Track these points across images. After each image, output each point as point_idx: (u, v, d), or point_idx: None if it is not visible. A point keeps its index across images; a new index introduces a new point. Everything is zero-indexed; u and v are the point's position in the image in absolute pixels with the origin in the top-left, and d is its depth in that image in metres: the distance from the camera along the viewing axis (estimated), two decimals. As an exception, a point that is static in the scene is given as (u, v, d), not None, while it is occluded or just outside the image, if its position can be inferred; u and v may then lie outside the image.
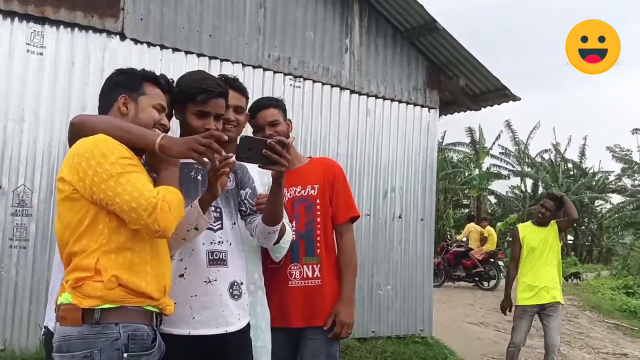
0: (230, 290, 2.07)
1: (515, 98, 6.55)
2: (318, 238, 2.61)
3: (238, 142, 1.94)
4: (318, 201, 2.64)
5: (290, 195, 2.64)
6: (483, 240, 13.21)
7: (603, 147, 29.14)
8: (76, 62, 4.29)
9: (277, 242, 2.22)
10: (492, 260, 12.67)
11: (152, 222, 1.67)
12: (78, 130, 1.84)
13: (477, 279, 12.74)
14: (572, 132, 48.34)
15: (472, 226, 13.80)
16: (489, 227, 13.61)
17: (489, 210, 26.94)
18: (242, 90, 2.44)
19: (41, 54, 4.17)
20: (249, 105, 2.58)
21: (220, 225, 2.09)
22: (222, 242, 2.08)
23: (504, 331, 8.06)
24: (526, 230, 5.14)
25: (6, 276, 4.00)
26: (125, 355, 1.68)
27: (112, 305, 1.69)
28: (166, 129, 2.01)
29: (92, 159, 1.68)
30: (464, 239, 13.86)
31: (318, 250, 2.60)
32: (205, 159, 1.79)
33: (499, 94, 6.48)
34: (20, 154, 4.08)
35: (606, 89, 76.28)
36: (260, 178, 2.46)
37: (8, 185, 4.04)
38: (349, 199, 2.74)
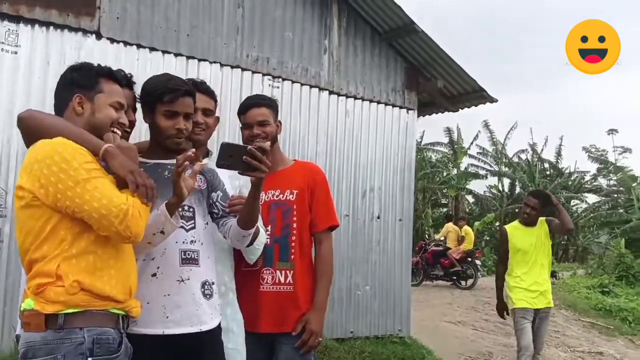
0: (202, 290, 2.08)
1: (492, 100, 6.63)
2: (293, 244, 2.59)
3: (219, 148, 1.95)
4: (295, 207, 2.62)
5: (267, 198, 2.62)
6: (461, 240, 13.35)
7: (579, 147, 29.59)
8: (51, 61, 4.23)
9: (251, 244, 2.23)
10: (469, 259, 12.82)
11: (124, 229, 1.67)
12: (26, 126, 1.84)
13: (454, 278, 12.87)
14: (548, 133, 49.01)
15: (450, 226, 13.94)
16: (466, 227, 13.76)
17: (467, 210, 27.21)
18: (210, 93, 2.46)
19: (15, 52, 4.11)
20: (245, 102, 2.62)
21: (192, 225, 2.10)
22: (195, 242, 2.09)
23: (482, 330, 8.17)
24: (514, 232, 4.92)
25: (-21, 278, 3.94)
26: (89, 359, 1.67)
27: (76, 310, 1.69)
28: (130, 125, 2.05)
29: (53, 165, 1.66)
30: (442, 239, 14.00)
31: (292, 256, 2.58)
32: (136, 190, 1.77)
33: (477, 95, 6.56)
34: (-7, 154, 4.02)
35: (583, 90, 77.47)
36: (231, 181, 2.46)
37: (-19, 185, 3.98)
38: (330, 207, 2.73)
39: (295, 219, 2.61)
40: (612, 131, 27.36)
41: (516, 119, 35.10)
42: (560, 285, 14.43)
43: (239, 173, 2.05)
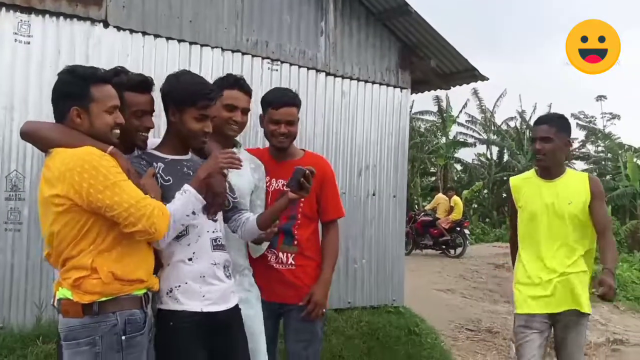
0: (225, 272, 2.34)
1: (483, 78, 6.84)
2: (296, 232, 2.84)
3: (294, 171, 2.28)
4: (302, 199, 2.79)
5: (277, 186, 2.84)
6: (450, 210, 13.72)
7: (568, 114, 29.85)
8: (62, 50, 4.39)
9: (260, 243, 2.52)
10: (458, 228, 13.19)
11: (150, 226, 1.93)
12: (31, 140, 2.05)
13: (444, 247, 13.28)
14: (537, 100, 49.18)
15: (440, 197, 14.29)
16: (455, 197, 14.10)
17: (455, 178, 27.56)
18: (249, 92, 2.68)
19: (28, 43, 4.27)
20: (270, 95, 2.83)
21: (216, 216, 2.35)
22: (219, 230, 2.35)
23: (470, 297, 8.58)
24: (522, 185, 3.20)
25: (2, 258, 4.18)
26: (123, 337, 1.97)
27: (108, 298, 1.96)
28: (146, 130, 2.28)
29: (84, 172, 1.88)
30: (432, 209, 14.35)
31: (295, 242, 2.84)
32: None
33: (468, 74, 6.77)
34: (11, 141, 4.21)
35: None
36: (252, 173, 2.72)
37: (1, 171, 4.19)
38: (337, 199, 2.99)
39: (300, 209, 2.85)
40: (600, 97, 27.65)
41: (505, 86, 35.12)
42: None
43: (290, 190, 2.33)
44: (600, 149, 27.50)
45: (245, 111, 2.67)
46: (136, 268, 2.03)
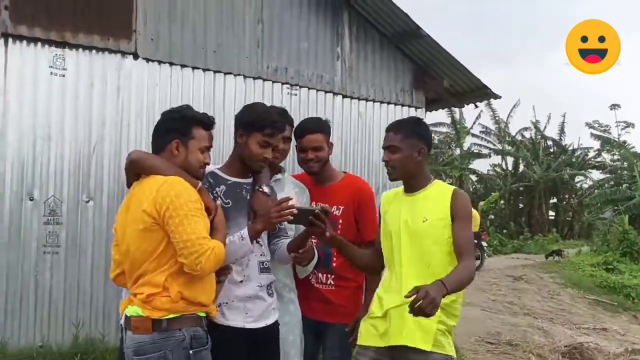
0: (268, 291, 2.55)
1: (495, 96, 7.02)
2: (335, 253, 2.95)
3: (297, 212, 2.40)
4: (340, 221, 2.96)
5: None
6: (467, 222, 13.73)
7: (582, 123, 29.79)
8: (95, 81, 4.67)
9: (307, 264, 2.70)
10: (475, 241, 13.14)
11: (196, 264, 2.10)
12: (135, 167, 2.27)
13: (461, 259, 13.29)
14: (551, 109, 49.08)
15: (456, 209, 14.31)
16: (472, 210, 14.15)
17: (471, 189, 27.57)
18: (292, 123, 2.91)
19: (63, 75, 4.55)
20: (297, 126, 2.98)
21: (262, 241, 2.55)
22: (265, 254, 2.56)
23: (490, 310, 8.64)
24: (388, 201, 2.76)
25: (41, 280, 4.43)
26: (190, 352, 2.14)
27: (175, 315, 2.14)
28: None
29: (167, 197, 2.11)
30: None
31: (334, 264, 2.97)
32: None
33: (480, 92, 6.94)
34: (49, 168, 4.48)
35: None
36: (297, 197, 2.83)
37: (40, 196, 4.45)
38: (374, 220, 2.91)
39: (339, 232, 2.91)
40: (614, 106, 27.55)
41: (519, 95, 35.18)
42: (566, 264, 14.87)
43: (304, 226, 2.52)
44: (615, 157, 27.38)
45: (287, 140, 2.87)
46: (200, 294, 2.21)
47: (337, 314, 2.96)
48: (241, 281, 2.46)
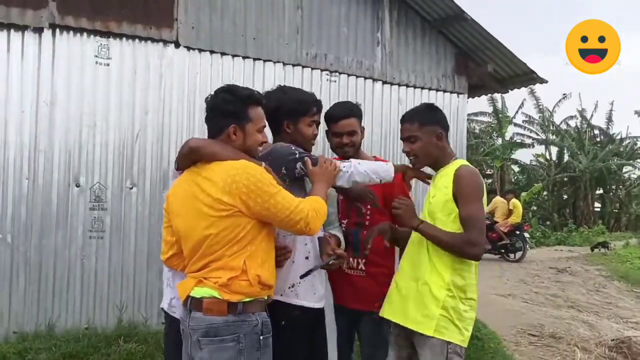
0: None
1: (542, 81, 6.80)
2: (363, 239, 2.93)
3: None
4: (369, 205, 2.97)
5: None
6: (509, 213, 13.51)
7: (631, 111, 28.77)
8: (138, 70, 4.74)
9: None
10: (517, 232, 12.98)
11: (305, 227, 2.17)
12: (195, 154, 2.24)
13: (503, 251, 13.08)
14: (598, 97, 47.55)
15: (498, 200, 14.07)
16: (514, 200, 13.87)
17: (513, 180, 27.00)
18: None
19: (108, 64, 4.63)
20: (329, 110, 3.00)
21: None
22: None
23: (532, 302, 8.46)
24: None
25: (87, 263, 4.55)
26: (261, 337, 2.14)
27: (250, 299, 2.14)
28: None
29: (251, 185, 2.11)
30: (490, 212, 14.17)
31: (367, 251, 2.89)
32: None
33: (526, 77, 6.74)
34: (94, 156, 4.58)
35: (634, 49, 74.30)
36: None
37: (86, 183, 4.56)
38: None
39: (368, 216, 2.99)
40: (666, 94, 26.46)
41: (563, 84, 34.11)
42: (613, 256, 14.43)
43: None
44: (665, 145, 26.36)
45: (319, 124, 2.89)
46: (272, 275, 2.23)
47: (370, 301, 2.93)
48: (307, 257, 2.49)
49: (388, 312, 2.68)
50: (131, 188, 4.71)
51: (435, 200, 2.61)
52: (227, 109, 2.25)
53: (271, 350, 2.19)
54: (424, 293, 2.53)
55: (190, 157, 2.25)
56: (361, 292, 2.95)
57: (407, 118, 2.74)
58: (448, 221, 2.55)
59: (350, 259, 2.97)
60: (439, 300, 2.49)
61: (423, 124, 2.66)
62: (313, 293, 2.49)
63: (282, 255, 2.38)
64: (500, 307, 7.73)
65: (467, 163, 2.68)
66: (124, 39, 4.69)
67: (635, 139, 27.97)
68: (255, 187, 2.11)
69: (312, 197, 2.29)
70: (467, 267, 2.57)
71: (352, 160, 2.59)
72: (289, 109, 2.54)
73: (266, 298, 2.24)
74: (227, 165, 2.16)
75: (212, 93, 2.32)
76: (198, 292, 2.15)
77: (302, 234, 2.23)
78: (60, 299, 4.48)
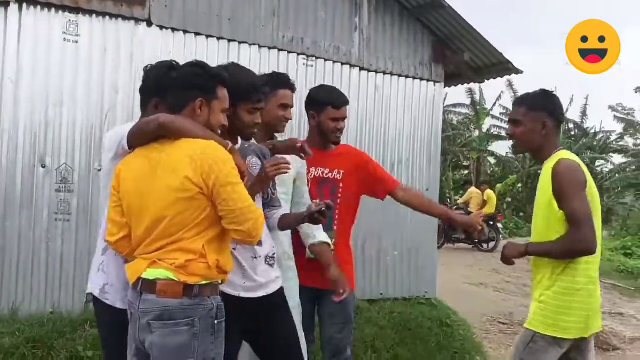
0: (267, 262, 2.48)
1: (517, 71, 6.83)
2: (336, 217, 3.05)
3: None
4: (341, 185, 3.09)
5: (317, 174, 3.08)
6: (483, 204, 13.65)
7: (605, 106, 29.22)
8: (108, 48, 4.60)
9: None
10: (491, 222, 13.12)
11: (254, 230, 2.05)
12: (169, 130, 2.10)
13: (476, 241, 13.23)
14: (574, 91, 48.05)
15: (474, 191, 14.23)
16: (488, 191, 14.04)
17: (489, 172, 27.29)
18: (295, 90, 2.94)
19: (76, 42, 4.48)
20: (328, 95, 3.12)
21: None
22: None
23: (503, 291, 8.57)
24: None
25: (53, 246, 4.42)
26: (215, 322, 2.07)
27: (207, 282, 2.07)
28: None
29: (214, 165, 2.02)
30: (465, 203, 14.30)
31: (335, 227, 3.05)
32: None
33: (502, 67, 6.76)
34: (61, 135, 4.44)
35: (610, 47, 75.04)
36: (293, 161, 2.80)
37: (52, 164, 4.42)
38: (384, 171, 3.32)
39: (340, 195, 3.09)
40: (639, 89, 26.95)
41: (540, 77, 34.48)
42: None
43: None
44: (639, 142, 26.86)
45: (292, 108, 2.92)
46: (229, 260, 2.17)
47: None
48: (234, 249, 2.37)
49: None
50: (99, 170, 4.58)
51: (538, 202, 2.63)
52: (196, 82, 2.16)
53: (224, 335, 2.13)
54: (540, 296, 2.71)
55: (156, 134, 2.14)
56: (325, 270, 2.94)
57: (518, 101, 2.74)
58: (558, 220, 2.53)
59: None
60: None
61: (530, 109, 2.63)
62: (243, 283, 2.39)
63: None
64: (472, 296, 7.81)
65: (568, 156, 2.59)
66: (94, 15, 4.53)
67: (608, 133, 28.46)
68: (221, 174, 2.03)
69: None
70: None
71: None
72: (231, 91, 2.33)
73: (220, 282, 2.18)
74: (196, 144, 2.07)
75: (169, 65, 2.30)
76: (151, 273, 2.06)
77: (245, 237, 2.06)
78: (25, 283, 4.35)
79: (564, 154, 2.60)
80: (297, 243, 2.94)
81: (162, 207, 2.06)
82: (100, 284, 2.36)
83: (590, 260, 2.58)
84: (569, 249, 2.52)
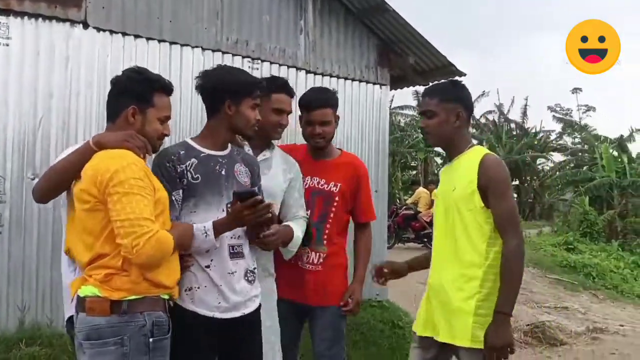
0: (246, 277, 2.34)
1: (460, 74, 6.93)
2: (327, 230, 2.88)
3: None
4: (337, 198, 2.89)
5: (311, 184, 2.89)
6: (431, 203, 13.84)
7: (544, 107, 30.34)
8: (41, 51, 4.37)
9: (284, 246, 2.56)
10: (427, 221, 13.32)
11: (133, 246, 1.86)
12: (100, 148, 2.00)
13: (425, 240, 13.39)
14: (515, 93, 49.83)
15: (422, 191, 14.43)
16: (435, 191, 14.22)
17: (436, 172, 27.80)
18: (293, 95, 2.81)
19: (7, 45, 4.24)
20: (305, 97, 2.92)
21: None
22: (240, 236, 2.33)
23: (451, 290, 8.66)
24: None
25: (-16, 261, 4.16)
26: (150, 340, 1.93)
27: (136, 297, 1.92)
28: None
29: (107, 172, 1.89)
30: (414, 203, 14.48)
31: (325, 241, 2.87)
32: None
33: (446, 70, 6.85)
34: (-9, 143, 4.19)
35: (547, 48, 78.46)
36: (284, 174, 2.73)
37: (-19, 173, 4.17)
38: (370, 201, 3.05)
39: (334, 209, 2.89)
40: (576, 90, 28.13)
41: (481, 80, 35.56)
42: (527, 244, 15.08)
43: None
44: (577, 140, 27.98)
45: (289, 114, 2.74)
46: (163, 275, 2.00)
47: (330, 296, 2.86)
48: (207, 266, 2.24)
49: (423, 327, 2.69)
50: (33, 179, 4.32)
51: (458, 193, 2.39)
52: (130, 88, 2.05)
53: (167, 354, 2.00)
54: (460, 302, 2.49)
55: (86, 160, 2.02)
56: (316, 287, 2.86)
57: (428, 92, 2.59)
58: (475, 214, 2.36)
59: (313, 254, 2.87)
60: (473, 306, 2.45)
61: (443, 100, 2.48)
62: (217, 303, 2.25)
63: (187, 260, 2.21)
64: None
65: (488, 151, 2.50)
66: (26, 17, 4.29)
67: (548, 133, 29.56)
68: (112, 181, 1.89)
69: (180, 229, 2.10)
70: None
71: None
72: (232, 88, 2.29)
73: (166, 297, 2.06)
74: (101, 153, 1.96)
75: (125, 71, 2.14)
76: (83, 290, 1.95)
77: (125, 252, 1.88)
78: (-47, 300, 4.09)
79: (484, 149, 2.52)
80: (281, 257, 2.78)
81: (79, 221, 1.97)
82: None
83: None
84: (516, 261, 2.38)
